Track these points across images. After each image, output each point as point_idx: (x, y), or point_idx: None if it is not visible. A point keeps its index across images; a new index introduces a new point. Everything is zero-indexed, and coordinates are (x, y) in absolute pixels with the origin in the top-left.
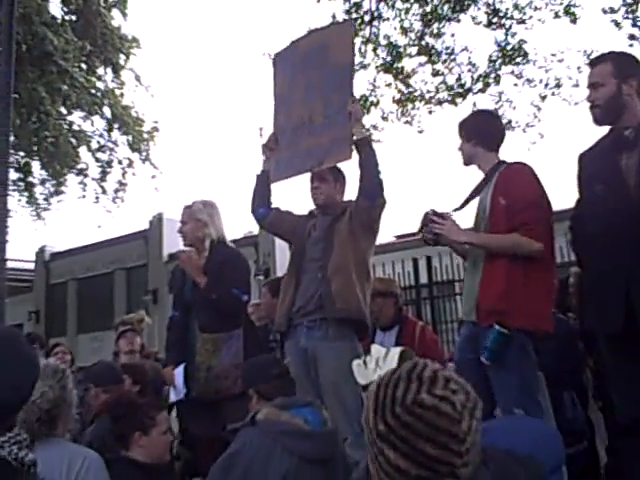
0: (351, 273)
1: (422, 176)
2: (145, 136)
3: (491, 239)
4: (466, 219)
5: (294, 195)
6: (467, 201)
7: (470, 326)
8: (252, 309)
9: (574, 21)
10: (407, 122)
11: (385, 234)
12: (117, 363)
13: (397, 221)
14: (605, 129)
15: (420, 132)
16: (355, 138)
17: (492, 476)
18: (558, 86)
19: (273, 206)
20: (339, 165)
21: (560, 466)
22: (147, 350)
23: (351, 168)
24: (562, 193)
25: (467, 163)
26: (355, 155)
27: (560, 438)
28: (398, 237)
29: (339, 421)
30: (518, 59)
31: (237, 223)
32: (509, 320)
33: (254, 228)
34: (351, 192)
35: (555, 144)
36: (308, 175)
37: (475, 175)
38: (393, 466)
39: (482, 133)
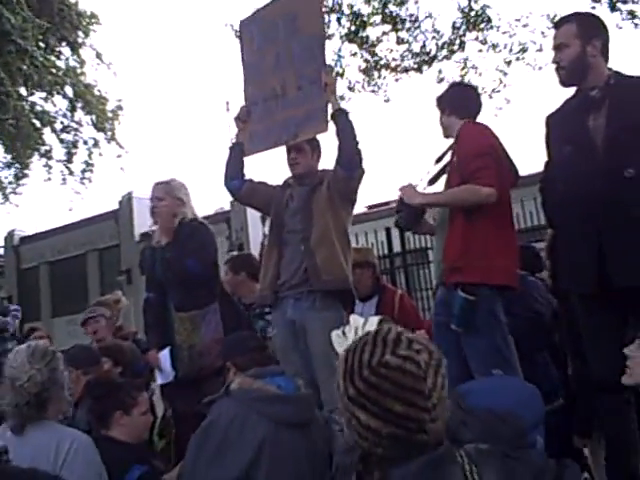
0: (334, 243)
1: (391, 145)
2: (109, 115)
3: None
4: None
5: (268, 165)
6: (440, 173)
7: (443, 289)
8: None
9: None
10: (373, 91)
11: (356, 205)
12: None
13: (368, 191)
14: (571, 90)
15: (386, 101)
16: (331, 109)
17: (477, 434)
18: (523, 51)
19: (246, 177)
20: None
21: (540, 422)
22: (125, 331)
23: (327, 136)
24: (531, 157)
25: (445, 135)
26: (332, 126)
27: (539, 395)
28: (370, 207)
29: (331, 389)
30: (482, 25)
31: (208, 200)
32: (468, 276)
33: (225, 204)
34: (328, 161)
35: (521, 109)
36: (284, 146)
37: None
38: (365, 426)
39: (455, 103)
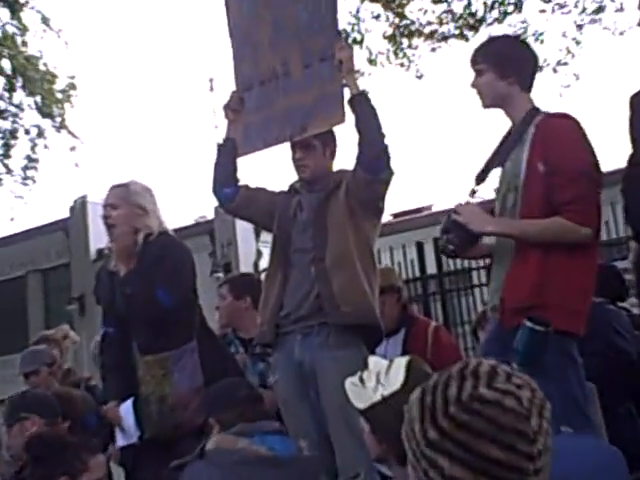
0: (355, 265)
1: (424, 135)
2: (58, 96)
3: (527, 228)
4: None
5: (269, 167)
6: (489, 165)
7: (497, 324)
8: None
9: None
10: (402, 65)
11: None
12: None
13: (394, 195)
14: None
15: (419, 77)
16: (348, 93)
17: None
18: (598, 11)
19: (241, 183)
20: None
21: None
22: (75, 375)
23: (344, 129)
24: (607, 150)
25: (491, 104)
26: (349, 115)
27: (622, 460)
28: (396, 215)
29: (348, 452)
30: None
31: (186, 205)
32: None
33: (208, 211)
34: (345, 160)
35: (595, 86)
36: (288, 143)
37: (495, 131)
38: (448, 478)
39: (522, 69)
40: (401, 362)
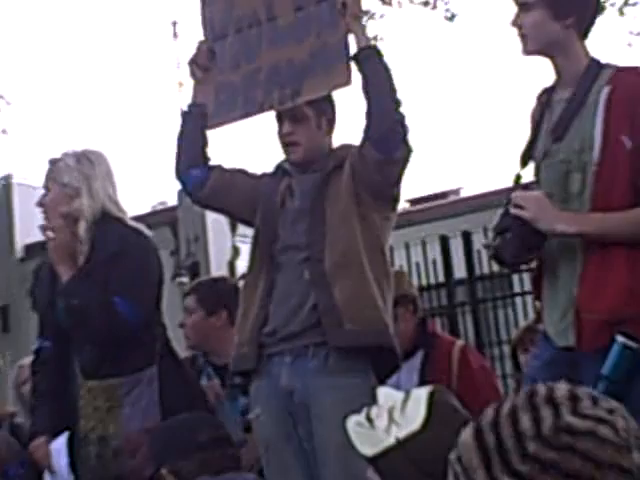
0: (363, 268)
1: (451, 99)
2: None
3: (613, 222)
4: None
5: (249, 141)
6: (537, 139)
7: (552, 348)
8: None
9: None
10: (426, 3)
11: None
12: None
13: (412, 176)
14: None
15: (450, 19)
16: (354, 47)
17: None
18: None
19: (212, 163)
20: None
21: None
22: None
23: (347, 93)
24: None
25: (536, 51)
26: (356, 76)
27: None
28: (414, 202)
29: None
30: None
31: (141, 190)
32: (636, 330)
33: (169, 197)
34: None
35: None
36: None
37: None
38: None
39: (576, 2)
40: (421, 394)
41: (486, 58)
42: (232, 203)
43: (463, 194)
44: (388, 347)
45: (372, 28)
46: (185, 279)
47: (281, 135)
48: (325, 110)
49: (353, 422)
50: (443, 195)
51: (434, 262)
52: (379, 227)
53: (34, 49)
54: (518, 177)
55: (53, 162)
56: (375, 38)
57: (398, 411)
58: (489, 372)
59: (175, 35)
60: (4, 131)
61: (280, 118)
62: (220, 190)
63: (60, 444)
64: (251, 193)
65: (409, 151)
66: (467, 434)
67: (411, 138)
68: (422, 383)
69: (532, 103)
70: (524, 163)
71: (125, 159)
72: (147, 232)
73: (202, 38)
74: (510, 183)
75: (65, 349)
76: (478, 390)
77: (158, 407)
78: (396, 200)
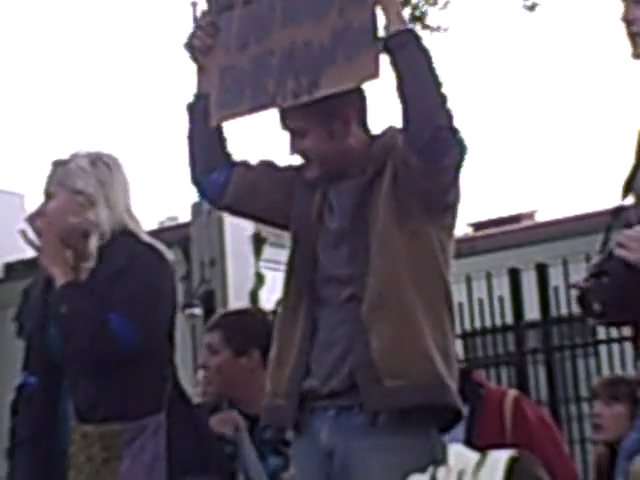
0: (407, 305)
1: (529, 102)
2: None
3: None
4: None
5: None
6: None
7: None
8: (204, 348)
9: None
10: None
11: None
12: None
13: (475, 197)
14: None
15: (531, 8)
16: (386, 32)
17: None
18: None
19: (235, 159)
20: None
21: None
22: None
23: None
24: None
25: None
26: (386, 68)
27: None
28: (478, 227)
29: None
30: None
31: (148, 203)
32: None
33: (180, 211)
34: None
35: None
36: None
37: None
38: None
39: None
40: (500, 459)
41: (573, 57)
42: (260, 208)
43: (538, 219)
44: (447, 404)
45: (433, 16)
46: (198, 310)
47: (290, 145)
48: (335, 110)
49: None
50: (514, 219)
51: (501, 299)
52: (436, 243)
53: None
54: (619, 209)
55: (60, 164)
56: (438, 28)
57: (469, 476)
58: (549, 425)
59: (196, 16)
60: None
61: (284, 120)
62: (243, 196)
63: None
64: (282, 195)
65: (462, 153)
66: None
67: (463, 137)
68: (469, 443)
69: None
70: (626, 192)
71: (130, 166)
72: (163, 249)
73: (204, 9)
74: (597, 208)
75: (54, 386)
76: (537, 447)
77: (164, 463)
78: (453, 206)
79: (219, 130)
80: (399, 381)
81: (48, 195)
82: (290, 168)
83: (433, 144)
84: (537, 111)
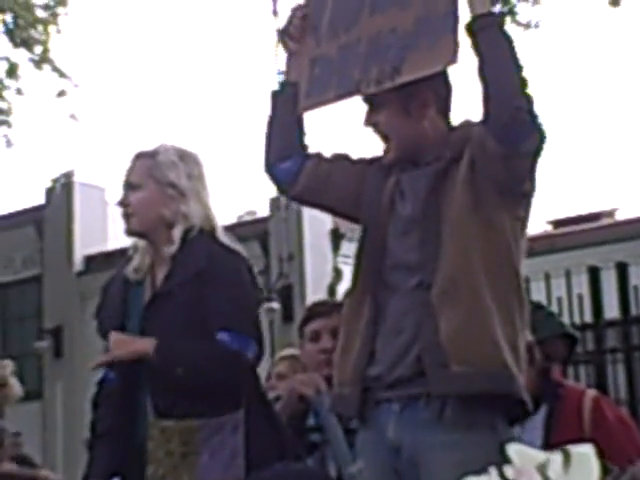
0: (479, 292)
1: (613, 97)
2: (40, 15)
3: None
4: None
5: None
6: None
7: None
8: (273, 378)
9: None
10: None
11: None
12: None
13: (555, 194)
14: None
15: (614, 3)
16: (470, 15)
17: None
18: None
19: (309, 152)
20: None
21: None
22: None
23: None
24: None
25: None
26: (465, 53)
27: None
28: (557, 224)
29: None
30: None
31: (227, 197)
32: None
33: (259, 206)
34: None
35: None
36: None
37: None
38: None
39: None
40: (588, 452)
41: None
42: (331, 199)
43: (619, 217)
44: (512, 394)
45: (525, 11)
46: (276, 305)
47: (366, 124)
48: (414, 91)
49: None
50: (594, 217)
51: (580, 298)
52: (508, 232)
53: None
54: None
55: (146, 155)
56: (529, 24)
57: (558, 471)
58: (630, 426)
59: (275, 12)
60: (73, 116)
61: (370, 103)
62: (315, 186)
63: None
64: (354, 186)
65: (541, 140)
66: None
67: (542, 124)
68: (547, 443)
69: None
70: None
71: (210, 159)
72: (241, 249)
73: (294, 5)
74: None
75: (132, 381)
76: (617, 448)
77: (242, 460)
78: (529, 195)
79: (299, 120)
80: (466, 367)
81: (133, 186)
82: (363, 161)
83: (512, 126)
84: (620, 107)
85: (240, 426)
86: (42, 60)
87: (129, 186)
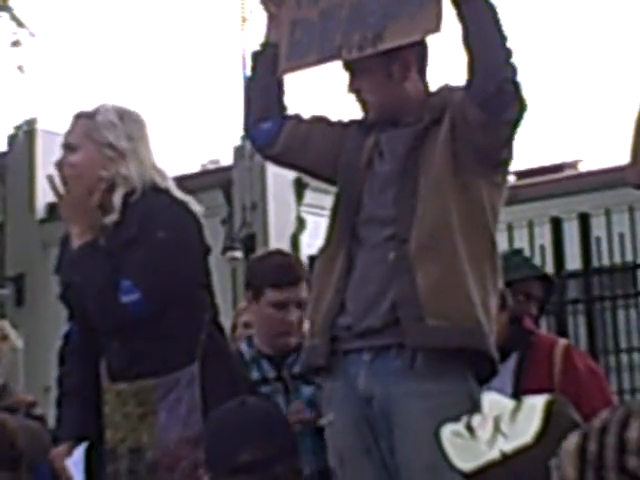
0: (456, 250)
1: (577, 45)
2: None
3: None
4: None
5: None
6: None
7: None
8: (239, 327)
9: None
10: None
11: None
12: None
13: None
14: None
15: None
16: None
17: None
18: None
19: (288, 113)
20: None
21: None
22: (11, 396)
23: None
24: None
25: None
26: (447, 21)
27: None
28: (520, 175)
29: None
30: None
31: (188, 146)
32: None
33: (221, 154)
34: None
35: None
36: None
37: None
38: None
39: None
40: (536, 404)
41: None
42: (309, 160)
43: (582, 168)
44: (482, 351)
45: None
46: (238, 254)
47: (349, 90)
48: (396, 54)
49: (449, 431)
50: (557, 168)
51: (542, 249)
52: (485, 198)
53: None
54: None
55: (86, 116)
56: None
57: (506, 421)
58: (599, 376)
59: None
60: (20, 68)
61: (349, 68)
62: (294, 146)
63: (77, 458)
64: (332, 148)
65: (522, 109)
66: (571, 441)
67: (524, 94)
68: (517, 390)
69: None
70: None
71: (171, 108)
72: (196, 207)
73: None
74: None
75: (93, 340)
76: (586, 397)
77: (200, 414)
78: (507, 164)
79: (280, 81)
80: (441, 321)
81: (71, 147)
82: (341, 123)
83: (497, 96)
84: (583, 59)
85: (195, 379)
86: (1, 8)
87: (68, 147)
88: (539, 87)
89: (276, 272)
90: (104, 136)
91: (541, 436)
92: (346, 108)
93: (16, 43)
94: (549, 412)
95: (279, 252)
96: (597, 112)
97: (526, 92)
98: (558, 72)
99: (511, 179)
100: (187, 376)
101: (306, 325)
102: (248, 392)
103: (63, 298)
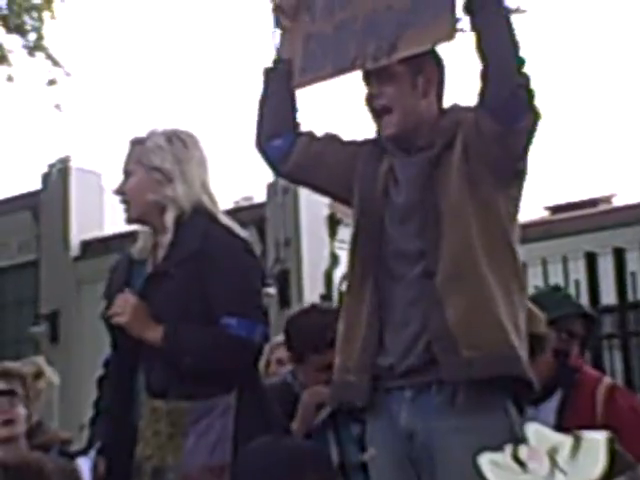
0: (482, 276)
1: (612, 79)
2: (35, 1)
3: None
4: None
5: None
6: None
7: None
8: (272, 364)
9: None
10: None
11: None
12: None
13: (551, 180)
14: None
15: None
16: None
17: None
18: None
19: (301, 130)
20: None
21: None
22: (46, 434)
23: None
24: None
25: None
26: (462, 29)
27: None
28: (554, 210)
29: None
30: None
31: (223, 182)
32: None
33: (255, 191)
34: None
35: None
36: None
37: None
38: None
39: None
40: (598, 440)
41: None
42: (322, 179)
43: (616, 203)
44: (520, 376)
45: None
46: (272, 290)
47: (368, 98)
48: (423, 67)
49: (489, 460)
50: (592, 203)
51: (577, 283)
52: (504, 214)
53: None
54: None
55: (138, 142)
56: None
57: (565, 457)
58: None
59: None
60: (58, 107)
61: (367, 78)
62: (306, 164)
63: (85, 463)
64: (345, 168)
65: (535, 118)
66: None
67: (538, 102)
68: (559, 428)
69: None
70: None
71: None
72: (243, 233)
73: None
74: None
75: (130, 360)
76: (627, 437)
77: (230, 444)
78: (522, 175)
79: (292, 98)
80: (475, 351)
81: (127, 173)
82: (354, 143)
83: (511, 103)
84: (619, 92)
85: (230, 409)
86: (35, 47)
87: (124, 174)
88: (573, 121)
89: (317, 336)
90: (151, 160)
91: (608, 475)
92: (359, 125)
93: (52, 82)
94: (613, 451)
95: (315, 309)
96: (630, 146)
97: (542, 104)
98: (592, 107)
99: (545, 214)
100: (223, 405)
101: (336, 358)
102: (281, 429)
103: (106, 320)
